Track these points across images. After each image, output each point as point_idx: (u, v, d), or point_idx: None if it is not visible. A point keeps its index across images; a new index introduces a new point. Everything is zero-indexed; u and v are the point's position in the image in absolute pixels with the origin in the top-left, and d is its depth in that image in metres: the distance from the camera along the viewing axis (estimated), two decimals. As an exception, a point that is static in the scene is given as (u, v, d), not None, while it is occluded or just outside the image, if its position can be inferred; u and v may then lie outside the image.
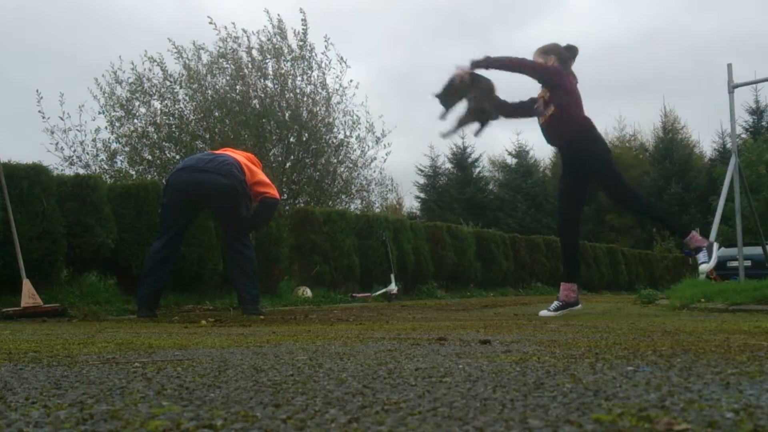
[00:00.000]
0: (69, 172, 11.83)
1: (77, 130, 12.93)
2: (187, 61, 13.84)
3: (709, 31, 51.21)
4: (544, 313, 4.42)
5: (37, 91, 12.18)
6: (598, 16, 59.37)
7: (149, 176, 12.63)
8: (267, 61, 14.00)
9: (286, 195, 13.87)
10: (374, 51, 51.36)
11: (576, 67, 4.57)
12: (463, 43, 52.92)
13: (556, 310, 4.40)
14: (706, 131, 63.93)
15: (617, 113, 57.00)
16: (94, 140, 13.10)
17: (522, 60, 4.36)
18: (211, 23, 13.78)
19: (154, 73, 13.67)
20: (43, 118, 12.52)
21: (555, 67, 4.43)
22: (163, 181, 13.02)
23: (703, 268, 4.29)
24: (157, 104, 13.72)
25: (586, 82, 4.59)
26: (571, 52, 4.55)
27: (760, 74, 12.49)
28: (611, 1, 61.10)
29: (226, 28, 13.97)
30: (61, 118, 12.70)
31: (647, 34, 54.74)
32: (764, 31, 48.78)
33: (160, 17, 41.79)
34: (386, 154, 14.98)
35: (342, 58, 14.29)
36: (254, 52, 13.97)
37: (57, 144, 12.79)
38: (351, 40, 52.94)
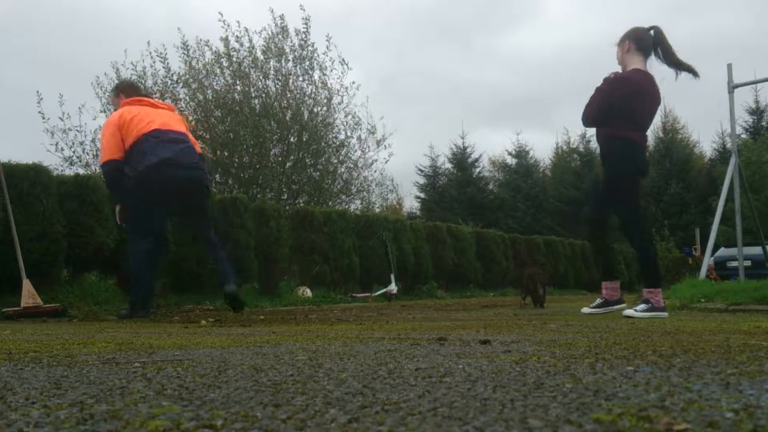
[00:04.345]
0: (69, 172, 11.85)
1: (77, 130, 12.98)
2: (188, 59, 13.91)
3: (702, 34, 51.59)
4: (585, 310, 4.39)
5: (37, 92, 12.31)
6: (580, 22, 59.89)
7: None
8: (269, 60, 14.03)
9: (285, 195, 13.88)
10: (363, 54, 51.94)
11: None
12: (446, 47, 53.42)
13: (596, 307, 4.33)
14: (706, 131, 64.10)
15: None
16: (93, 140, 13.13)
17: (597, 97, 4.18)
18: (220, 20, 13.85)
19: (156, 69, 13.73)
20: (43, 118, 12.59)
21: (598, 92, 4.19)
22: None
23: (629, 312, 3.96)
24: (158, 103, 13.74)
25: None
26: (656, 32, 4.16)
27: (760, 74, 12.49)
28: (592, 8, 61.69)
29: (230, 26, 14.01)
30: (61, 119, 12.76)
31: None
32: (744, 33, 49.10)
33: (157, 20, 42.05)
34: (388, 155, 15.04)
35: (343, 60, 14.34)
36: (257, 52, 14.03)
37: (57, 144, 12.84)
38: (341, 43, 53.39)
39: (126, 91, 5.00)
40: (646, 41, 4.14)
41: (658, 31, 4.15)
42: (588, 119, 4.25)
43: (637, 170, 4.20)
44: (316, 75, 14.29)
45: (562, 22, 59.62)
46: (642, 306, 4.02)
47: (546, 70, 54.48)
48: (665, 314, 4.00)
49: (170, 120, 4.77)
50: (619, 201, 4.25)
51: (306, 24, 14.08)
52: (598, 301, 4.40)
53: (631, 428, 0.84)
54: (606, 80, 4.18)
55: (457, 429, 0.86)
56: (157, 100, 5.28)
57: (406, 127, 46.19)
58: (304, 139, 13.89)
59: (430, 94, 53.91)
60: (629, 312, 4.00)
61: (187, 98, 13.83)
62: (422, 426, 0.87)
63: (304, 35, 14.11)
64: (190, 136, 4.91)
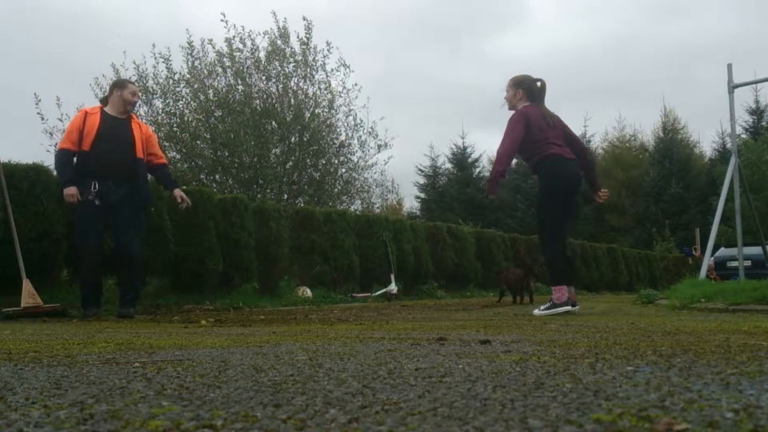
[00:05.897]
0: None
1: (77, 130, 12.98)
2: (191, 60, 13.95)
3: (703, 34, 51.81)
4: (536, 312, 4.49)
5: (35, 94, 12.32)
6: (568, 25, 60.02)
7: (149, 176, 12.67)
8: (272, 61, 14.08)
9: (286, 195, 13.89)
10: (358, 57, 52.02)
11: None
12: (436, 50, 53.65)
13: (545, 309, 4.48)
14: (706, 131, 64.06)
15: (617, 113, 57.27)
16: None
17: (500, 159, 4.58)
18: (222, 20, 13.92)
19: (158, 70, 13.76)
20: (42, 119, 12.62)
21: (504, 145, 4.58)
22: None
23: (536, 312, 4.40)
24: (158, 103, 13.79)
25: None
26: (542, 85, 4.74)
27: (760, 74, 12.49)
28: (578, 11, 61.99)
29: (234, 26, 14.07)
30: (60, 120, 12.77)
31: (617, 41, 55.99)
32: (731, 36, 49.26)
33: (155, 23, 42.27)
34: (388, 158, 15.09)
35: (345, 63, 14.41)
36: (260, 54, 14.10)
37: (56, 145, 12.86)
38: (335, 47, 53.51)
39: None
40: (534, 91, 4.74)
41: (543, 84, 4.76)
42: (503, 157, 4.59)
43: (566, 184, 4.56)
44: (319, 77, 14.37)
45: (558, 24, 59.82)
46: (545, 305, 4.46)
47: (540, 72, 54.48)
48: (566, 308, 4.38)
49: None
50: (540, 207, 4.65)
51: (308, 30, 14.21)
52: (548, 304, 4.57)
53: (631, 428, 0.84)
54: (509, 121, 4.64)
55: (457, 429, 0.86)
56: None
57: (403, 129, 46.44)
58: (305, 140, 13.90)
59: (427, 95, 54.04)
60: (535, 311, 4.45)
61: (189, 98, 13.86)
62: (422, 426, 0.87)
63: (305, 38, 14.22)
64: None
